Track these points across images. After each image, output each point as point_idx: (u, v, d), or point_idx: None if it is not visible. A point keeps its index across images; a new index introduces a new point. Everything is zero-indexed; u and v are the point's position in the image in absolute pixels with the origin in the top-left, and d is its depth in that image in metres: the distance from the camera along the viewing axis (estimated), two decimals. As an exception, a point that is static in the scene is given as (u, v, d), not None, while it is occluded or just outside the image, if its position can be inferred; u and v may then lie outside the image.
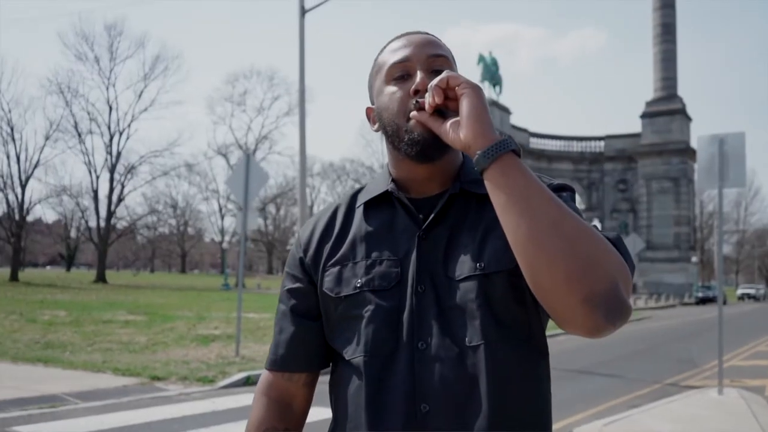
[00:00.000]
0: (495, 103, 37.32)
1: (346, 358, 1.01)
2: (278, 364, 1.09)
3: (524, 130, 40.84)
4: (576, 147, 47.04)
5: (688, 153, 44.52)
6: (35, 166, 42.02)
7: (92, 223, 47.51)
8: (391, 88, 1.01)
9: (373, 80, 1.08)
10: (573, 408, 6.86)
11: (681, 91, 55.43)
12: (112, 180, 44.03)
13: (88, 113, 43.87)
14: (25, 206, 42.45)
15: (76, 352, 9.40)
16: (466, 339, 0.94)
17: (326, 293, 1.03)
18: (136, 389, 7.18)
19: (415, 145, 0.97)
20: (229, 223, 60.36)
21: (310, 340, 1.07)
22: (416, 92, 0.97)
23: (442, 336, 0.94)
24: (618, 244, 0.89)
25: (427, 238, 0.99)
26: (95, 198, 44.93)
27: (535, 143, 42.48)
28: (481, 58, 38.01)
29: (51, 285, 34.69)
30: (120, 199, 45.42)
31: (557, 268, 0.80)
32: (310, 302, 1.07)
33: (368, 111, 1.10)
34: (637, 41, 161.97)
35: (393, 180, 1.06)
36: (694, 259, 48.47)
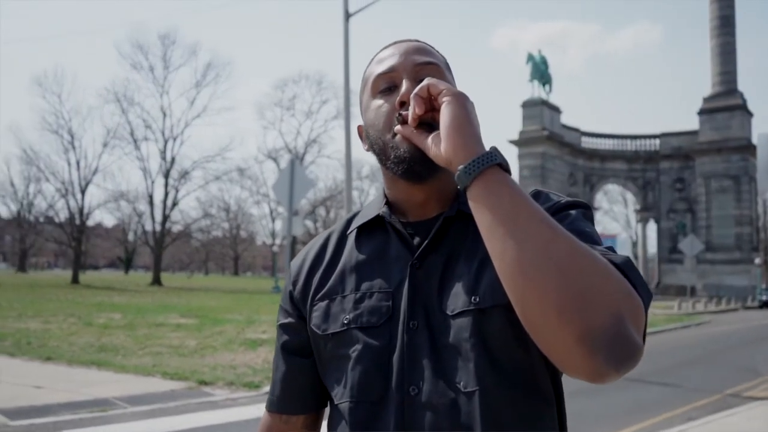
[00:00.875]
0: (545, 103, 36.63)
1: (335, 402, 0.92)
2: (275, 405, 1.01)
3: (576, 129, 39.92)
4: (630, 146, 45.74)
5: (750, 150, 42.66)
6: (94, 173, 43.66)
7: (148, 227, 48.94)
8: (377, 102, 0.93)
9: (361, 95, 1.00)
10: (625, 420, 6.59)
11: (741, 85, 53.38)
12: (166, 185, 45.23)
13: (144, 120, 45.27)
14: (85, 211, 44.07)
15: (128, 355, 9.62)
16: (461, 383, 0.84)
17: (314, 330, 0.95)
18: (183, 394, 7.27)
19: (402, 162, 0.88)
20: (280, 226, 61.15)
21: (303, 380, 0.99)
22: (402, 104, 0.88)
23: (435, 379, 0.85)
24: (627, 269, 0.76)
25: (421, 267, 0.90)
26: (151, 203, 46.25)
27: (587, 142, 41.45)
28: (530, 57, 37.39)
29: (109, 288, 35.86)
30: (174, 204, 46.60)
31: (548, 301, 0.69)
32: (301, 338, 0.99)
33: (359, 129, 1.01)
34: (693, 35, 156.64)
35: (387, 203, 0.97)
36: (757, 260, 46.44)
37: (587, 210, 0.91)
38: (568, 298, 0.68)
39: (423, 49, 0.95)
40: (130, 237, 69.01)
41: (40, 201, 52.30)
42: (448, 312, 0.86)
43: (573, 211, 0.89)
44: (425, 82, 0.83)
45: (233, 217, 70.51)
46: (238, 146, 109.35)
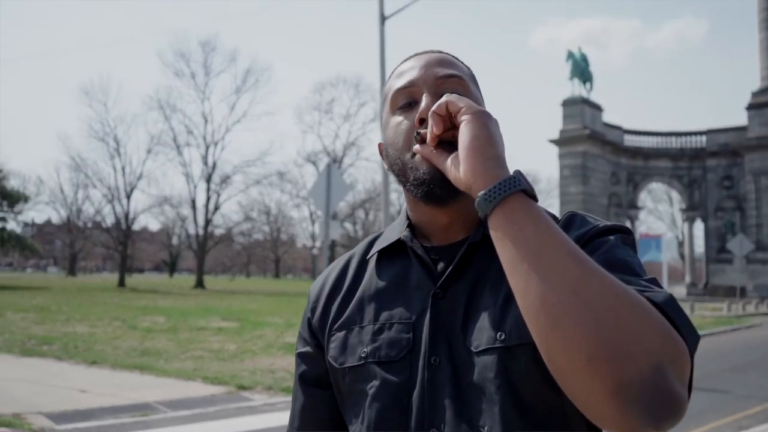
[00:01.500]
0: (585, 101, 35.96)
1: None
2: None
3: (618, 128, 39.07)
4: (675, 143, 44.55)
5: (802, 145, 41.10)
6: (139, 178, 44.65)
7: (192, 231, 49.88)
8: (396, 119, 0.88)
9: (381, 111, 0.95)
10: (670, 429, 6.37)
11: (792, 78, 51.31)
12: (208, 189, 46.00)
13: (186, 126, 46.15)
14: (130, 216, 45.14)
15: (170, 359, 9.78)
16: (485, 428, 0.77)
17: (331, 363, 0.90)
18: (223, 398, 7.34)
19: (421, 185, 0.83)
20: (318, 229, 61.62)
21: (323, 413, 0.94)
22: (421, 122, 0.82)
23: (458, 422, 0.79)
24: (669, 309, 0.67)
25: (444, 297, 0.84)
26: (193, 207, 47.10)
27: (630, 140, 40.52)
28: (570, 55, 36.75)
29: (154, 291, 36.65)
30: (216, 208, 47.36)
31: (576, 347, 0.61)
32: (320, 369, 0.93)
33: (379, 147, 0.95)
34: (740, 28, 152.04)
35: (409, 225, 0.92)
36: (811, 259, 44.67)
37: (627, 235, 0.84)
38: (599, 345, 0.60)
39: (445, 61, 0.90)
40: (174, 241, 70.42)
41: (88, 207, 53.89)
42: (473, 348, 0.80)
43: (611, 237, 0.81)
44: (444, 98, 0.78)
45: (273, 221, 71.32)
46: (278, 150, 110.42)
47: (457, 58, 0.93)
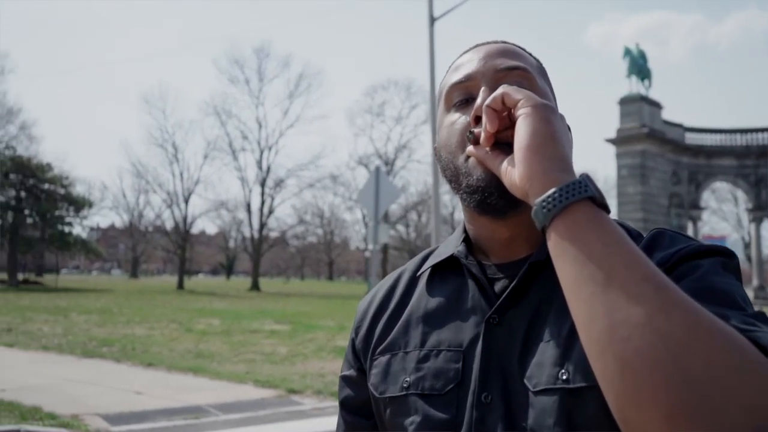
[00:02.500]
0: (644, 98, 34.87)
1: None
2: None
3: (679, 125, 37.73)
4: (740, 140, 42.71)
5: None
6: (196, 183, 45.89)
7: (247, 234, 50.81)
8: (451, 118, 0.78)
9: (436, 110, 0.85)
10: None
11: None
12: (262, 193, 46.82)
13: (241, 132, 47.10)
14: (188, 220, 46.36)
15: (223, 362, 9.91)
16: None
17: (372, 391, 0.81)
18: (273, 402, 7.37)
19: (474, 193, 0.73)
20: (366, 234, 61.91)
21: None
22: (477, 120, 0.72)
23: None
24: None
25: (500, 323, 0.73)
26: (248, 211, 48.01)
27: (692, 138, 39.06)
28: (627, 51, 35.71)
29: (211, 293, 37.51)
30: (270, 211, 48.14)
31: (651, 399, 0.48)
32: (363, 395, 0.84)
33: (435, 151, 0.84)
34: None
35: (466, 239, 0.82)
36: None
37: (729, 259, 0.68)
38: (682, 398, 0.47)
39: (508, 51, 0.79)
40: (231, 244, 71.98)
41: (149, 211, 55.71)
42: (530, 386, 0.69)
43: (706, 261, 0.66)
44: (499, 90, 0.67)
45: (327, 223, 72.01)
46: (330, 153, 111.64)
47: (523, 49, 0.82)
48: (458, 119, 0.77)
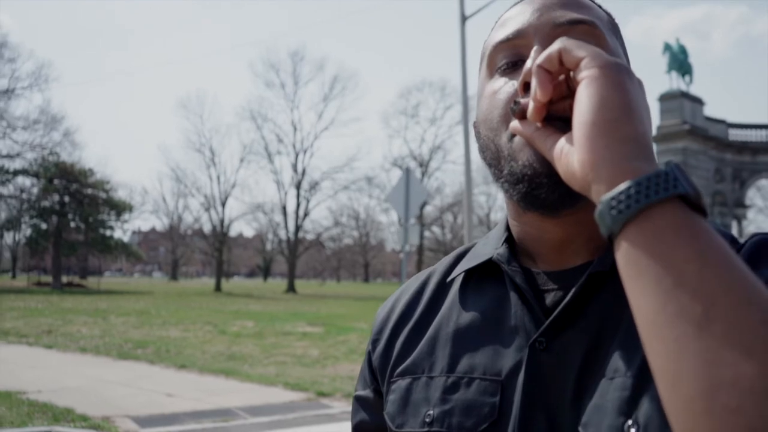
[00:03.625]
0: (685, 94, 33.99)
1: None
2: None
3: (722, 122, 36.66)
4: (787, 136, 41.38)
5: None
6: (233, 187, 46.45)
7: (283, 237, 51.24)
8: (494, 84, 0.62)
9: (479, 77, 0.68)
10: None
11: None
12: (298, 196, 47.14)
13: (276, 135, 47.51)
14: (225, 223, 46.98)
15: (254, 364, 9.94)
16: None
17: (388, 422, 0.66)
18: (302, 405, 7.34)
19: (519, 182, 0.57)
20: (397, 235, 61.93)
21: None
22: (526, 87, 0.56)
23: None
24: None
25: (549, 349, 0.57)
26: (284, 213, 48.40)
27: (736, 135, 37.91)
28: (667, 47, 34.85)
29: (248, 295, 37.93)
30: (306, 214, 48.45)
31: None
32: (381, 421, 0.70)
33: (474, 127, 0.67)
34: None
35: (509, 239, 0.66)
36: None
37: None
38: None
39: (571, 2, 0.61)
40: (268, 246, 72.68)
41: (188, 215, 56.68)
42: None
43: None
44: (555, 44, 0.51)
45: (362, 225, 72.22)
46: (365, 155, 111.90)
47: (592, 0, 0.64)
48: (503, 87, 0.61)
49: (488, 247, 0.67)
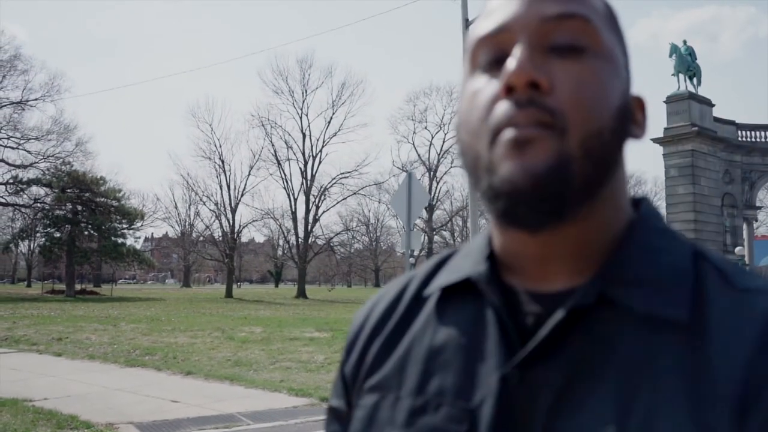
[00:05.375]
0: (693, 96, 33.81)
1: None
2: None
3: (731, 122, 36.41)
4: (798, 136, 40.99)
5: None
6: (243, 193, 46.67)
7: (294, 242, 51.41)
8: (475, 83, 0.57)
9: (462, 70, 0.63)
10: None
11: None
12: (307, 202, 47.30)
13: (285, 142, 47.70)
14: (236, 230, 47.22)
15: (259, 370, 10.04)
16: None
17: None
18: (305, 411, 7.41)
19: (497, 198, 0.53)
20: (400, 240, 62.01)
21: None
22: (509, 91, 0.53)
23: None
24: None
25: (523, 383, 0.53)
26: (294, 219, 48.59)
27: (746, 136, 37.70)
28: (674, 49, 34.70)
29: (258, 300, 38.12)
30: (315, 220, 48.61)
31: None
32: None
33: (456, 127, 0.64)
34: None
35: (491, 255, 0.60)
36: None
37: None
38: None
39: None
40: (279, 252, 72.96)
41: (198, 222, 57.00)
42: None
43: None
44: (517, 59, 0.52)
45: (372, 230, 72.36)
46: (374, 161, 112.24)
47: None
48: (484, 87, 0.55)
49: (469, 260, 0.62)
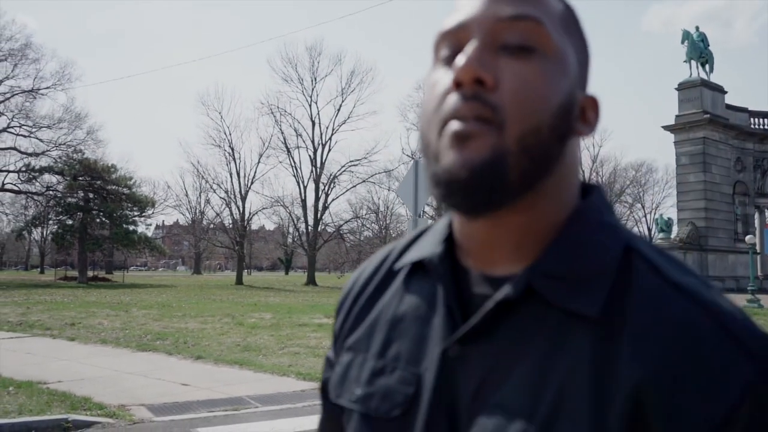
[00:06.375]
0: (705, 83, 33.49)
1: None
2: None
3: (743, 110, 35.99)
4: (812, 123, 40.49)
5: None
6: (252, 181, 46.84)
7: (304, 230, 51.62)
8: (434, 75, 0.61)
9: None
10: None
11: None
12: (317, 190, 47.42)
13: (295, 130, 47.77)
14: (246, 217, 47.45)
15: (268, 355, 10.18)
16: None
17: (330, 389, 0.72)
18: (312, 394, 7.53)
19: (437, 185, 0.58)
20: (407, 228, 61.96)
21: None
22: (458, 85, 0.57)
23: None
24: None
25: (460, 357, 0.59)
26: (304, 207, 48.75)
27: (759, 123, 37.33)
28: (686, 35, 34.32)
29: (268, 287, 38.37)
30: (325, 207, 48.73)
31: None
32: None
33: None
34: None
35: (449, 237, 0.66)
36: None
37: None
38: None
39: None
40: (289, 240, 73.25)
41: (209, 209, 57.31)
42: None
43: None
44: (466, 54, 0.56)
45: (382, 218, 72.42)
46: (384, 149, 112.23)
47: None
48: (441, 79, 0.59)
49: (433, 239, 0.68)
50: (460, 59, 0.56)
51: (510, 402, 0.55)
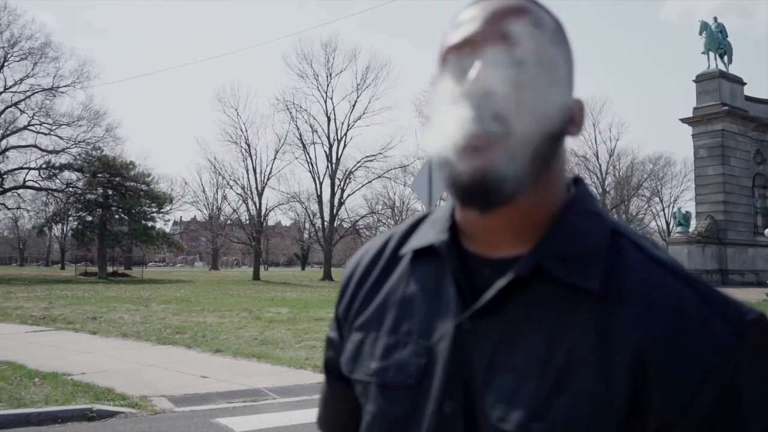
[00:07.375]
0: (724, 75, 33.09)
1: None
2: (320, 423, 0.90)
3: (763, 101, 35.53)
4: (834, 115, 39.80)
5: None
6: (269, 177, 47.11)
7: (320, 226, 51.83)
8: (445, 83, 0.68)
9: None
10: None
11: None
12: (333, 185, 47.59)
13: (310, 126, 47.89)
14: (262, 213, 47.74)
15: (285, 348, 10.32)
16: None
17: (342, 366, 0.79)
18: (328, 386, 7.65)
19: (454, 186, 0.66)
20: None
21: (344, 407, 0.82)
22: (467, 97, 0.64)
23: None
24: None
25: (472, 331, 0.67)
26: (320, 202, 48.92)
27: (779, 115, 36.80)
28: (704, 26, 33.93)
29: (285, 283, 38.64)
30: (341, 203, 48.88)
31: None
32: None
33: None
34: None
35: (453, 225, 0.73)
36: None
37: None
38: None
39: (513, 9, 0.67)
40: (305, 235, 73.59)
41: (226, 206, 57.75)
42: (495, 419, 0.64)
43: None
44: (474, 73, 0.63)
45: (398, 213, 72.42)
46: (399, 144, 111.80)
47: (540, 5, 0.70)
48: (451, 89, 0.66)
49: (435, 227, 0.75)
50: (471, 74, 0.64)
51: (523, 366, 0.63)
